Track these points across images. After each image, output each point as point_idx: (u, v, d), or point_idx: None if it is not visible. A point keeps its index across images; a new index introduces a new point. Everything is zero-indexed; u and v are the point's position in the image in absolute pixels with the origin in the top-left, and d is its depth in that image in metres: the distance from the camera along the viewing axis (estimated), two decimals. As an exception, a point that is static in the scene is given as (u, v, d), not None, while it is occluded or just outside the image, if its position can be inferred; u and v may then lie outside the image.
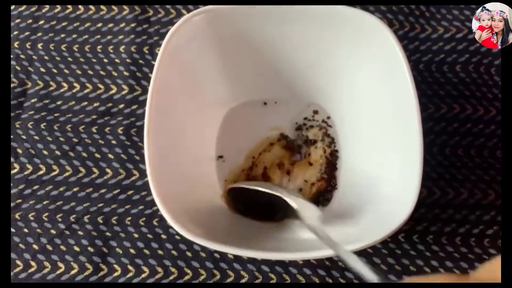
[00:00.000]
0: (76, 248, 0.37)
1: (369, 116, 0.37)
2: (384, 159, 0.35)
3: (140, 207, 0.38)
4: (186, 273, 0.36)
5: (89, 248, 0.37)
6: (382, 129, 0.35)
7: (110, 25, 0.44)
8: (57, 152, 0.40)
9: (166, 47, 0.33)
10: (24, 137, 0.40)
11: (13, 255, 0.37)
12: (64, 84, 0.42)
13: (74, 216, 0.38)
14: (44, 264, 0.37)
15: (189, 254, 0.37)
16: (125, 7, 0.44)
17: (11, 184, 0.39)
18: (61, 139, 0.40)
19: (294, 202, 0.32)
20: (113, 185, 0.39)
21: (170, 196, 0.31)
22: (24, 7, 0.45)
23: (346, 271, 0.36)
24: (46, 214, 0.38)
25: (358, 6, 0.43)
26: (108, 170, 0.39)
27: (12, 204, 0.39)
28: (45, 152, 0.40)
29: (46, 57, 0.43)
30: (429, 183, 0.38)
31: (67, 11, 0.45)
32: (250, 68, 0.39)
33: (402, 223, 0.29)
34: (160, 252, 0.37)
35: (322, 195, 0.38)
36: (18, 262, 0.37)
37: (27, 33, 0.44)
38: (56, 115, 0.41)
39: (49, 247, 0.37)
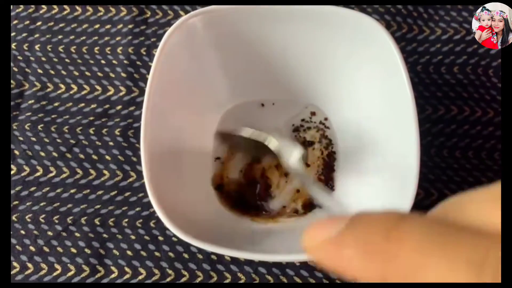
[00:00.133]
0: (73, 250, 0.37)
1: (366, 117, 0.37)
2: (381, 160, 0.35)
3: (137, 209, 0.38)
4: (183, 275, 0.36)
5: (86, 250, 0.37)
6: (379, 131, 0.35)
7: (108, 26, 0.44)
8: (54, 154, 0.40)
9: (163, 48, 0.33)
10: (21, 138, 0.40)
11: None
12: (62, 86, 0.42)
13: (71, 217, 0.38)
14: (41, 266, 0.37)
15: (186, 256, 0.37)
16: (122, 8, 0.44)
17: (8, 186, 0.39)
18: (58, 140, 0.40)
19: (274, 142, 0.32)
20: (110, 187, 0.39)
21: (166, 198, 0.31)
22: (21, 8, 0.45)
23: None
24: (43, 215, 0.38)
25: (356, 7, 0.43)
26: (105, 172, 0.39)
27: (9, 206, 0.39)
28: (42, 154, 0.40)
29: (43, 59, 0.43)
30: (426, 185, 0.38)
31: (65, 12, 0.45)
32: (247, 69, 0.39)
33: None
34: (157, 253, 0.37)
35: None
36: (15, 263, 0.37)
37: (24, 34, 0.44)
38: (53, 116, 0.41)
39: (46, 249, 0.37)
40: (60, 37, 0.44)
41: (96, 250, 0.37)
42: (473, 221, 0.14)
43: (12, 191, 0.39)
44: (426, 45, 0.43)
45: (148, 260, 0.37)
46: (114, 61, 0.43)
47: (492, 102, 0.41)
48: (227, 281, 0.36)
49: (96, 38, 0.44)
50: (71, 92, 0.42)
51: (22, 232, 0.38)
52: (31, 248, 0.37)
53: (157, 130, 0.33)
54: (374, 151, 0.36)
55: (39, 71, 0.43)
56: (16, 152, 0.40)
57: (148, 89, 0.32)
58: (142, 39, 0.43)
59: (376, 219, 0.15)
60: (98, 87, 0.42)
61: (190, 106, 0.37)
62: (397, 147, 0.33)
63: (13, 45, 0.43)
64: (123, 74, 0.42)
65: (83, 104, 0.42)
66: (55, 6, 0.45)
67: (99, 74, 0.42)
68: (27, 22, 0.44)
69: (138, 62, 0.43)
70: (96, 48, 0.43)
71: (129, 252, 0.37)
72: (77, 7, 0.45)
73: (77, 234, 0.38)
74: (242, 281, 0.36)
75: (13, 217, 0.38)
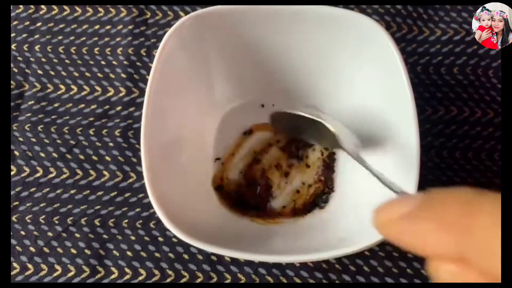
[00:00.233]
0: (73, 251, 0.37)
1: (366, 118, 0.37)
2: (381, 161, 0.35)
3: (137, 210, 0.38)
4: (183, 275, 0.36)
5: (86, 251, 0.37)
6: (379, 131, 0.35)
7: (108, 27, 0.44)
8: (54, 154, 0.40)
9: (163, 49, 0.33)
10: (21, 139, 0.40)
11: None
12: (62, 86, 0.42)
13: (71, 218, 0.38)
14: (41, 267, 0.37)
15: (186, 256, 0.37)
16: (122, 9, 0.44)
17: (8, 186, 0.39)
18: (58, 141, 0.40)
19: (334, 127, 0.33)
20: (110, 188, 0.39)
21: (166, 198, 0.31)
22: (21, 9, 0.45)
23: (344, 273, 0.36)
24: (43, 216, 0.38)
25: (356, 8, 0.43)
26: (105, 172, 0.39)
27: (9, 207, 0.39)
28: (42, 154, 0.40)
29: (43, 59, 0.43)
30: (426, 186, 0.38)
31: (65, 13, 0.45)
32: (247, 70, 0.39)
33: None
34: (157, 254, 0.37)
35: (319, 198, 0.38)
36: (15, 264, 0.37)
37: (24, 35, 0.44)
38: (53, 117, 0.41)
39: (46, 250, 0.37)
40: (60, 38, 0.44)
41: (96, 251, 0.37)
42: None
43: (12, 192, 0.39)
44: (426, 46, 0.43)
45: (148, 260, 0.37)
46: (114, 62, 0.43)
47: (492, 103, 0.41)
48: (227, 281, 0.36)
49: (96, 39, 0.44)
50: (71, 93, 0.42)
51: (22, 232, 0.38)
52: (31, 248, 0.37)
53: (157, 131, 0.33)
54: (374, 151, 0.36)
55: (39, 72, 0.43)
56: (16, 153, 0.40)
57: (148, 90, 0.32)
58: (142, 40, 0.43)
59: (451, 195, 0.16)
60: (98, 88, 0.42)
61: (190, 107, 0.37)
62: (397, 148, 0.33)
63: (13, 46, 0.43)
64: (123, 75, 0.42)
65: (83, 105, 0.42)
66: (55, 7, 0.45)
67: (99, 75, 0.42)
68: (27, 23, 0.44)
69: (138, 63, 0.43)
70: (96, 49, 0.43)
71: (129, 253, 0.37)
72: (77, 8, 0.45)
73: (77, 235, 0.38)
74: (242, 282, 0.36)
75: (13, 218, 0.38)
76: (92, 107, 0.41)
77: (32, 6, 0.45)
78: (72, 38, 0.44)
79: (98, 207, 0.38)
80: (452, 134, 0.40)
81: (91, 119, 0.41)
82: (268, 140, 0.40)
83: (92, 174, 0.39)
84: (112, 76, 0.42)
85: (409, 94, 0.31)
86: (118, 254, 0.37)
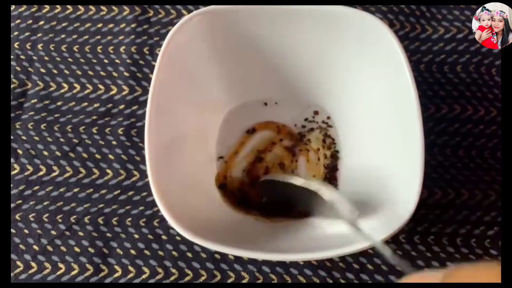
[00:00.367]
0: (77, 249, 0.37)
1: (369, 116, 0.37)
2: (384, 159, 0.35)
3: (141, 208, 0.38)
4: (187, 273, 0.36)
5: (90, 249, 0.37)
6: (383, 130, 0.35)
7: (111, 25, 0.44)
8: (58, 153, 0.40)
9: (166, 47, 0.33)
10: (24, 137, 0.40)
11: (13, 256, 0.37)
12: (65, 85, 0.42)
13: (74, 217, 0.38)
14: (44, 265, 0.37)
15: (189, 255, 0.37)
16: (125, 7, 0.44)
17: (12, 185, 0.39)
18: (62, 139, 0.40)
19: (326, 195, 0.31)
20: (113, 186, 0.39)
21: (170, 196, 0.31)
22: (24, 7, 0.45)
23: (347, 272, 0.36)
24: (47, 215, 0.38)
25: (359, 7, 0.43)
26: (108, 171, 0.39)
27: (12, 205, 0.38)
28: (46, 153, 0.40)
29: (46, 58, 0.43)
30: (430, 184, 0.38)
31: (68, 11, 0.44)
32: (250, 68, 0.39)
33: (403, 224, 0.29)
34: (160, 253, 0.37)
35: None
36: (19, 263, 0.37)
37: (27, 34, 0.44)
38: (56, 115, 0.41)
39: (50, 248, 0.37)
40: (62, 36, 0.44)
41: (99, 249, 0.37)
42: None
43: (15, 190, 0.39)
44: (429, 44, 0.43)
45: (152, 259, 0.37)
46: (117, 60, 0.43)
47: (495, 101, 0.41)
48: (230, 280, 0.36)
49: (98, 37, 0.44)
50: (74, 92, 0.42)
51: (26, 231, 0.38)
52: (35, 247, 0.37)
53: (161, 129, 0.33)
54: (377, 150, 0.36)
55: (42, 70, 0.43)
56: (19, 151, 0.40)
57: (152, 88, 0.32)
58: (144, 38, 0.43)
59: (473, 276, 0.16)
60: (101, 86, 0.42)
61: (194, 104, 0.37)
62: (401, 146, 0.33)
63: (15, 45, 0.43)
64: (126, 73, 0.42)
65: (86, 103, 0.42)
66: (57, 6, 0.45)
67: (102, 73, 0.42)
68: (30, 21, 0.44)
69: (141, 61, 0.43)
70: (99, 47, 0.43)
71: (132, 251, 0.37)
72: (80, 7, 0.45)
73: (81, 233, 0.38)
74: (245, 280, 0.36)
75: (17, 216, 0.38)
76: (95, 105, 0.41)
77: (35, 5, 0.45)
78: (74, 36, 0.44)
79: (102, 205, 0.38)
80: (455, 132, 0.40)
81: (94, 117, 0.41)
82: (272, 139, 0.40)
83: (95, 172, 0.39)
84: (115, 74, 0.42)
85: (413, 92, 0.31)
86: (121, 253, 0.37)
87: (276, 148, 0.40)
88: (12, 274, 0.37)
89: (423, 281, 0.17)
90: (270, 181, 0.36)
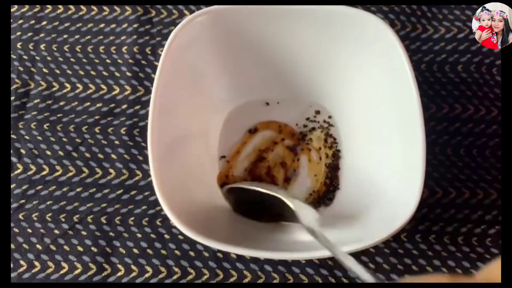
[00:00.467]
0: (80, 248, 0.37)
1: (371, 115, 0.37)
2: (386, 158, 0.35)
3: (143, 207, 0.38)
4: (189, 272, 0.37)
5: (93, 248, 0.37)
6: (384, 129, 0.36)
7: (113, 25, 0.44)
8: (60, 153, 0.40)
9: (169, 47, 0.33)
10: (27, 137, 0.41)
11: (16, 255, 0.37)
12: (67, 85, 0.42)
13: (77, 216, 0.38)
14: (47, 264, 0.37)
15: (192, 254, 0.37)
16: (127, 7, 0.45)
17: (15, 185, 0.39)
18: (64, 139, 0.41)
19: (292, 203, 0.32)
20: (116, 185, 0.39)
21: (173, 195, 0.31)
22: (26, 8, 0.45)
23: (349, 270, 0.36)
24: (50, 214, 0.38)
25: (360, 6, 0.43)
26: (111, 170, 0.40)
27: (15, 205, 0.39)
28: (48, 153, 0.40)
29: (48, 58, 0.43)
30: (431, 183, 0.39)
31: (70, 12, 0.45)
32: (252, 68, 0.39)
33: (404, 223, 0.29)
34: (163, 252, 0.37)
35: (324, 196, 0.38)
36: (22, 262, 0.37)
37: (29, 34, 0.44)
38: (59, 115, 0.41)
39: (53, 247, 0.37)
40: (65, 36, 0.44)
41: (102, 249, 0.37)
42: None
43: (19, 190, 0.39)
44: (430, 43, 0.43)
45: (155, 258, 0.37)
46: (119, 60, 0.43)
47: (496, 101, 0.41)
48: (233, 278, 0.36)
49: (101, 37, 0.44)
50: (76, 91, 0.42)
51: (29, 230, 0.38)
52: (38, 246, 0.38)
53: (164, 129, 0.33)
54: (379, 149, 0.36)
55: (45, 70, 0.43)
56: (22, 151, 0.40)
57: (155, 88, 0.33)
58: (147, 38, 0.44)
59: None
60: (103, 86, 0.42)
61: (196, 104, 0.37)
62: (402, 145, 0.33)
63: (18, 45, 0.44)
64: (128, 73, 0.42)
65: (88, 103, 0.42)
66: (60, 6, 0.45)
67: (104, 73, 0.43)
68: (33, 21, 0.44)
69: (143, 61, 0.43)
70: (101, 48, 0.43)
71: (135, 250, 0.37)
72: (82, 7, 0.45)
73: (84, 233, 0.38)
74: (248, 279, 0.36)
75: (20, 216, 0.38)
76: (98, 105, 0.42)
77: (37, 5, 0.45)
78: (77, 36, 0.44)
79: (104, 205, 0.39)
80: (456, 131, 0.40)
81: (97, 117, 0.41)
82: (273, 138, 0.40)
83: (98, 172, 0.40)
84: (117, 74, 0.42)
85: (414, 91, 0.32)
86: (124, 252, 0.37)
87: (278, 147, 0.40)
88: (15, 273, 0.37)
89: None
90: (238, 188, 0.36)
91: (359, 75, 0.37)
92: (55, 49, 0.44)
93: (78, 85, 0.42)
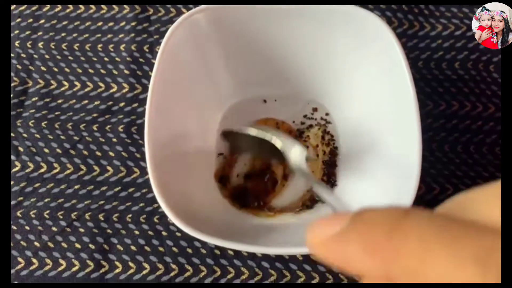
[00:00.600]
0: (78, 245, 0.37)
1: (368, 112, 0.37)
2: (382, 155, 0.35)
3: (141, 204, 0.38)
4: (187, 269, 0.37)
5: (90, 245, 0.37)
6: (381, 125, 0.36)
7: (111, 23, 0.44)
8: (58, 150, 0.40)
9: (166, 45, 0.33)
10: (25, 135, 0.41)
11: (14, 252, 0.37)
12: (65, 83, 0.42)
13: (75, 213, 0.38)
14: (45, 261, 0.37)
15: (189, 250, 0.37)
16: (125, 6, 0.45)
17: (13, 182, 0.39)
18: (62, 137, 0.41)
19: (281, 143, 0.32)
20: (114, 183, 0.39)
21: (170, 192, 0.31)
22: (24, 6, 0.45)
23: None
24: (48, 211, 0.38)
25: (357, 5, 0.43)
26: (109, 168, 0.40)
27: (13, 202, 0.39)
28: (46, 150, 0.40)
29: (47, 56, 0.43)
30: (428, 179, 0.39)
31: (68, 10, 0.45)
32: (250, 65, 0.39)
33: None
34: (161, 249, 0.37)
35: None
36: (20, 259, 0.37)
37: (28, 32, 0.44)
38: (57, 113, 0.41)
39: (51, 244, 0.38)
40: (63, 34, 0.44)
41: (100, 246, 0.37)
42: (477, 218, 0.14)
43: (17, 188, 0.39)
44: (427, 41, 0.43)
45: (152, 255, 0.37)
46: (117, 59, 0.43)
47: (493, 97, 0.41)
48: (230, 275, 0.36)
49: (99, 35, 0.44)
50: (74, 89, 0.42)
51: (27, 228, 0.38)
52: (36, 243, 0.38)
53: (161, 126, 0.33)
54: (376, 145, 0.36)
55: (43, 68, 0.43)
56: (21, 148, 0.40)
57: (152, 86, 0.33)
58: (144, 37, 0.44)
59: (379, 215, 0.15)
60: (101, 84, 0.42)
61: (193, 102, 0.38)
62: (399, 141, 0.33)
63: (16, 43, 0.44)
64: (126, 71, 0.42)
65: (86, 101, 0.42)
66: (58, 5, 0.45)
67: (102, 71, 0.43)
68: (31, 20, 0.45)
69: (141, 59, 0.43)
70: (99, 46, 0.44)
71: (133, 247, 0.37)
72: (80, 5, 0.45)
73: (82, 230, 0.38)
74: (245, 275, 0.36)
75: (18, 213, 0.38)
76: (96, 103, 0.42)
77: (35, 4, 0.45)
78: (75, 35, 0.44)
79: (102, 202, 0.39)
80: (453, 128, 0.40)
81: (95, 115, 0.41)
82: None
83: (96, 169, 0.40)
84: (115, 72, 0.43)
85: (410, 89, 0.32)
86: (122, 249, 0.37)
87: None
88: (13, 271, 0.37)
89: (330, 225, 0.16)
90: (230, 132, 0.36)
91: (356, 73, 0.37)
92: (53, 47, 0.44)
93: (76, 83, 0.42)
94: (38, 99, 0.42)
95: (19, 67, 0.43)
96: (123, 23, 0.44)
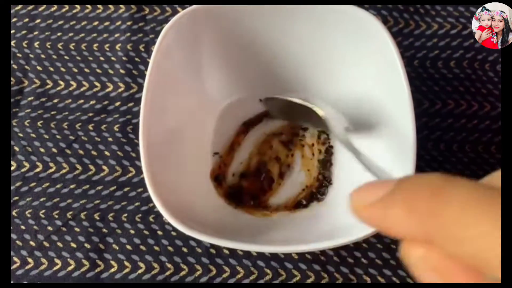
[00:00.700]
0: (73, 245, 0.37)
1: (363, 112, 0.37)
2: (378, 154, 0.35)
3: (137, 204, 0.38)
4: (182, 268, 0.37)
5: (86, 245, 0.37)
6: (376, 125, 0.36)
7: (106, 23, 0.44)
8: (54, 150, 0.40)
9: (160, 44, 0.33)
10: (21, 135, 0.41)
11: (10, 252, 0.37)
12: (61, 82, 0.42)
13: (70, 212, 0.38)
14: (41, 261, 0.37)
15: (185, 250, 0.37)
16: (121, 5, 0.45)
17: (8, 182, 0.39)
18: (58, 136, 0.41)
19: (320, 111, 0.34)
20: (109, 182, 0.39)
21: (166, 192, 0.31)
22: (20, 6, 0.45)
23: (341, 265, 0.36)
24: (43, 211, 0.38)
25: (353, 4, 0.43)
26: (104, 167, 0.40)
27: (9, 202, 0.39)
28: (42, 150, 0.40)
29: (42, 56, 0.43)
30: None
31: (64, 9, 0.45)
32: (245, 64, 0.39)
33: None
34: (156, 248, 0.37)
35: (317, 191, 0.38)
36: (15, 258, 0.37)
37: (23, 32, 0.44)
38: (52, 113, 0.41)
39: (46, 244, 0.38)
40: (59, 34, 0.44)
41: (95, 245, 0.37)
42: None
43: (12, 187, 0.39)
44: (423, 39, 0.43)
45: (148, 254, 0.37)
46: (112, 58, 0.43)
47: (488, 96, 0.41)
48: (225, 274, 0.36)
49: (95, 35, 0.44)
50: (70, 89, 0.42)
51: (22, 227, 0.38)
52: (31, 243, 0.38)
53: (156, 125, 0.33)
54: (371, 145, 0.36)
55: (39, 68, 0.43)
56: (16, 148, 0.40)
57: (146, 85, 0.33)
58: (140, 36, 0.44)
59: (423, 181, 0.16)
60: (97, 84, 0.42)
61: (188, 101, 0.38)
62: (394, 141, 0.33)
63: (12, 43, 0.44)
64: (122, 71, 0.42)
65: (82, 101, 0.42)
66: (54, 4, 0.45)
67: (98, 70, 0.43)
68: (26, 19, 0.45)
69: (136, 59, 0.43)
70: (95, 45, 0.44)
71: (128, 247, 0.37)
72: (76, 5, 0.45)
73: (77, 229, 0.38)
74: (240, 275, 0.36)
75: (13, 213, 0.38)
76: (91, 102, 0.42)
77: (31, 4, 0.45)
78: (71, 34, 0.44)
79: (98, 201, 0.39)
80: (449, 127, 0.40)
81: (90, 114, 0.41)
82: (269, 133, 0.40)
83: (91, 169, 0.40)
84: (111, 71, 0.43)
85: (405, 87, 0.32)
86: (117, 248, 0.37)
87: (274, 143, 0.40)
88: (9, 270, 0.37)
89: (374, 190, 0.17)
90: (273, 98, 0.38)
91: (352, 72, 0.37)
92: (49, 47, 0.44)
93: (72, 82, 0.42)
94: (34, 99, 0.42)
95: (15, 66, 0.43)
96: (118, 23, 0.44)
